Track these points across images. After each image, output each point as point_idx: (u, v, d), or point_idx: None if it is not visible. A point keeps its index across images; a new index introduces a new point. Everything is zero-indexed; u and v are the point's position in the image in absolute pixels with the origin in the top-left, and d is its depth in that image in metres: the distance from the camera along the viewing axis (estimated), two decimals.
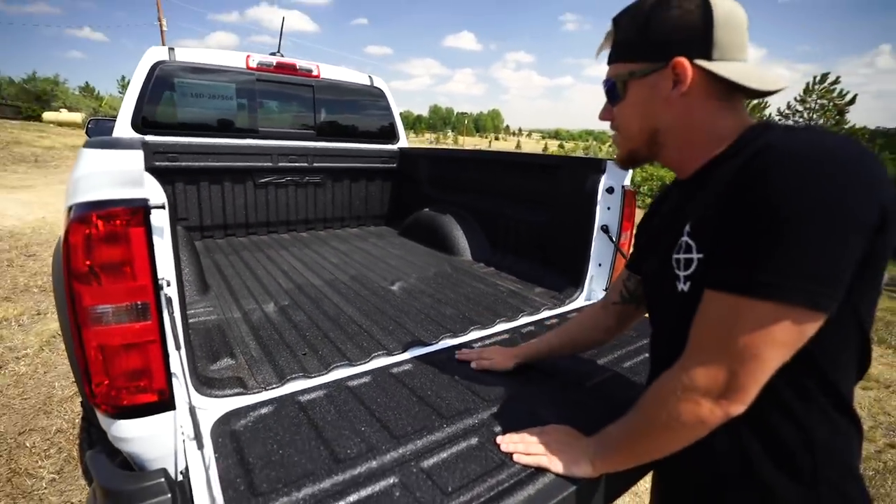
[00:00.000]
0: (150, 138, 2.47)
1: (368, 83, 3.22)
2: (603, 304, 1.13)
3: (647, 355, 1.42)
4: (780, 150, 0.56)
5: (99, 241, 0.82)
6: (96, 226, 0.81)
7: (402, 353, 1.39)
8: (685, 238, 0.70)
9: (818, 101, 22.65)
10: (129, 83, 2.47)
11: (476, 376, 1.25)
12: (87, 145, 0.88)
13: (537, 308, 1.81)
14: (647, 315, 0.97)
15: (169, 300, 0.93)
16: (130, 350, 0.89)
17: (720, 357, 0.60)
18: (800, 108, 23.23)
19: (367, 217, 3.46)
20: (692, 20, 0.66)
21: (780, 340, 0.56)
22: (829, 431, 0.64)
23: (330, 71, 3.03)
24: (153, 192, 0.91)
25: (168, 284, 0.93)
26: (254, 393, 1.15)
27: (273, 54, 2.89)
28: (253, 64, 2.72)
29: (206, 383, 1.14)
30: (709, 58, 0.67)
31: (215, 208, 2.81)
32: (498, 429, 1.01)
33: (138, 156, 0.80)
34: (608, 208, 1.90)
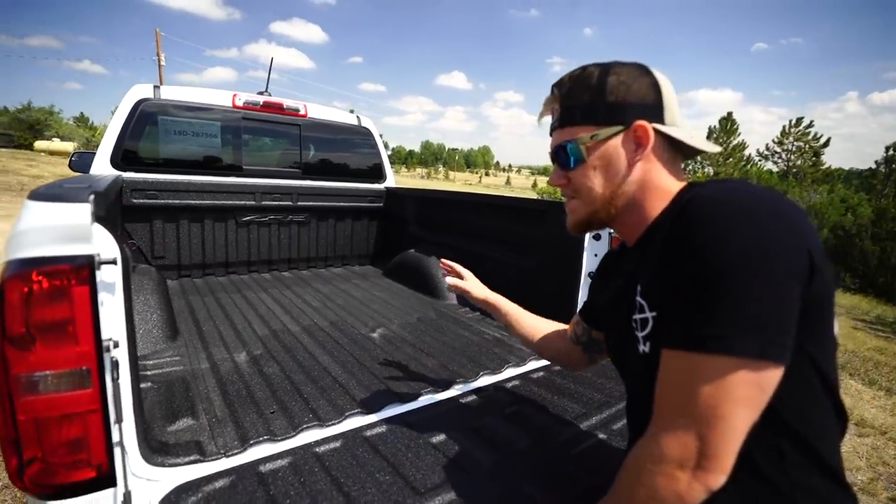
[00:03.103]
0: (128, 175, 2.42)
1: (356, 122, 3.24)
2: (564, 333, 1.17)
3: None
4: (704, 200, 0.58)
5: (37, 302, 0.75)
6: (37, 283, 0.74)
7: (378, 412, 1.29)
8: (638, 298, 0.71)
9: (795, 143, 23.54)
10: None
11: (455, 441, 1.16)
12: (32, 196, 0.82)
13: (523, 359, 1.73)
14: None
15: (116, 364, 0.85)
16: (67, 421, 0.80)
17: (685, 421, 0.56)
18: (778, 149, 24.10)
19: (352, 257, 3.39)
20: (645, 88, 0.72)
21: (739, 396, 0.53)
22: (815, 501, 0.60)
23: (317, 110, 3.04)
24: (104, 245, 0.85)
25: (115, 346, 0.85)
26: (212, 460, 1.05)
27: (261, 93, 2.89)
28: (239, 103, 2.71)
29: (158, 450, 1.03)
30: (662, 122, 0.72)
31: (194, 247, 2.73)
32: None
33: (85, 209, 0.74)
34: (595, 255, 1.87)
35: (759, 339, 0.52)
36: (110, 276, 0.87)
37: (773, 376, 0.53)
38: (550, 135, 0.83)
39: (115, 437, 0.85)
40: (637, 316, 0.71)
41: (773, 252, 0.52)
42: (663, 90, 0.73)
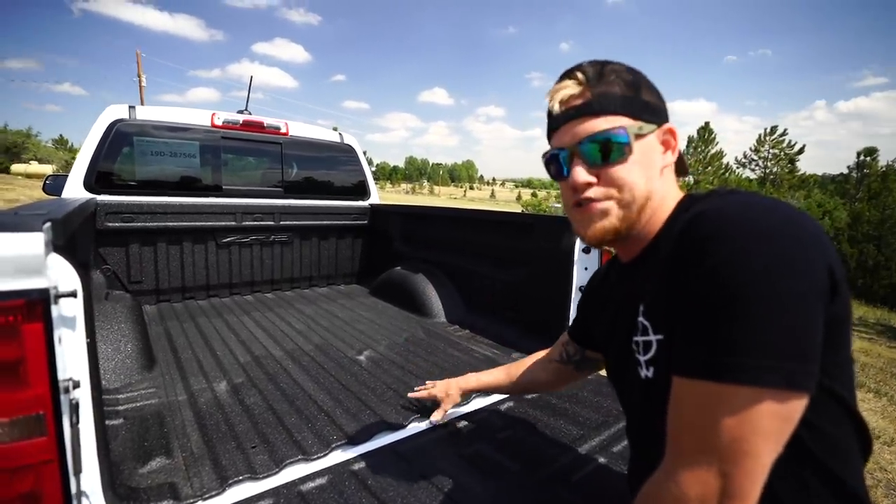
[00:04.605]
0: (103, 198, 2.34)
1: (339, 140, 3.19)
2: (546, 359, 1.14)
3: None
4: (714, 215, 0.54)
5: None
6: None
7: (366, 442, 1.22)
8: (641, 319, 0.66)
9: (770, 150, 24.18)
10: None
11: (448, 472, 1.09)
12: None
13: None
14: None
15: (75, 406, 0.77)
16: (19, 474, 0.72)
17: (707, 457, 0.51)
18: (755, 157, 24.71)
19: (337, 276, 3.32)
20: (659, 94, 0.70)
21: (765, 430, 0.48)
22: None
23: (299, 128, 2.99)
24: (62, 277, 0.78)
25: (76, 386, 0.78)
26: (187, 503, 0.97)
27: (240, 112, 2.84)
28: (218, 122, 2.65)
29: (127, 496, 0.95)
30: None
31: (173, 270, 2.63)
32: None
33: (37, 238, 0.67)
34: (585, 268, 1.84)
35: (785, 368, 0.47)
36: (70, 310, 0.80)
37: (799, 406, 0.49)
38: (564, 123, 0.68)
39: (76, 488, 0.77)
40: (639, 338, 0.66)
41: (795, 271, 0.48)
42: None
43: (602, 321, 0.87)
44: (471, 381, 1.29)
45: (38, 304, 0.69)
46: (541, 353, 1.18)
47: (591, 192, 0.67)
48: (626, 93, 0.66)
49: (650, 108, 0.67)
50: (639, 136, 0.65)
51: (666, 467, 0.57)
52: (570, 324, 1.08)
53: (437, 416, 1.31)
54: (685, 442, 0.54)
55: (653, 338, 0.64)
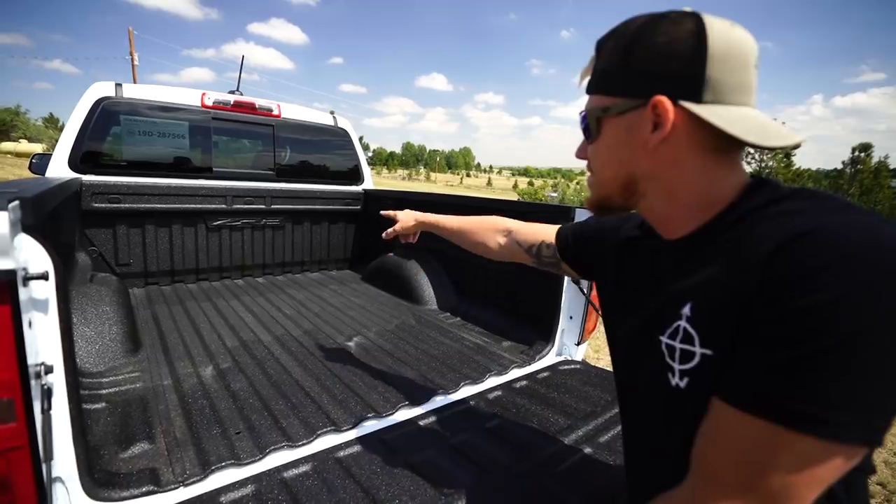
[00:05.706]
0: (88, 178, 2.28)
1: (332, 123, 3.13)
2: (513, 236, 1.08)
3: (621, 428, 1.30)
4: (833, 240, 0.44)
5: None
6: None
7: (352, 428, 1.22)
8: (683, 323, 0.57)
9: None
10: None
11: (434, 461, 1.09)
12: None
13: (505, 367, 1.67)
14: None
15: (48, 392, 0.75)
16: None
17: (748, 493, 0.47)
18: (751, 150, 24.75)
19: (330, 261, 3.29)
20: (681, 50, 0.54)
21: (824, 479, 0.45)
22: None
23: (291, 110, 2.93)
24: (32, 258, 0.75)
25: (48, 371, 0.76)
26: (167, 490, 0.95)
27: (232, 92, 2.77)
28: (209, 102, 2.59)
29: (106, 482, 0.94)
30: (698, 99, 0.54)
31: (162, 253, 2.59)
32: None
33: (1, 218, 0.64)
34: None
35: (869, 425, 0.43)
36: (42, 293, 0.77)
37: (862, 455, 0.45)
38: None
39: (49, 474, 0.75)
40: (678, 344, 0.58)
41: None
42: (710, 57, 0.53)
43: (620, 291, 0.77)
44: (437, 218, 1.28)
45: (3, 286, 0.66)
46: (507, 222, 1.12)
47: (587, 165, 0.70)
48: (615, 66, 0.60)
49: (641, 80, 0.57)
50: (610, 117, 0.61)
51: (695, 492, 0.53)
52: (563, 228, 0.98)
53: (386, 233, 1.36)
54: (726, 473, 0.50)
55: (697, 350, 0.55)
